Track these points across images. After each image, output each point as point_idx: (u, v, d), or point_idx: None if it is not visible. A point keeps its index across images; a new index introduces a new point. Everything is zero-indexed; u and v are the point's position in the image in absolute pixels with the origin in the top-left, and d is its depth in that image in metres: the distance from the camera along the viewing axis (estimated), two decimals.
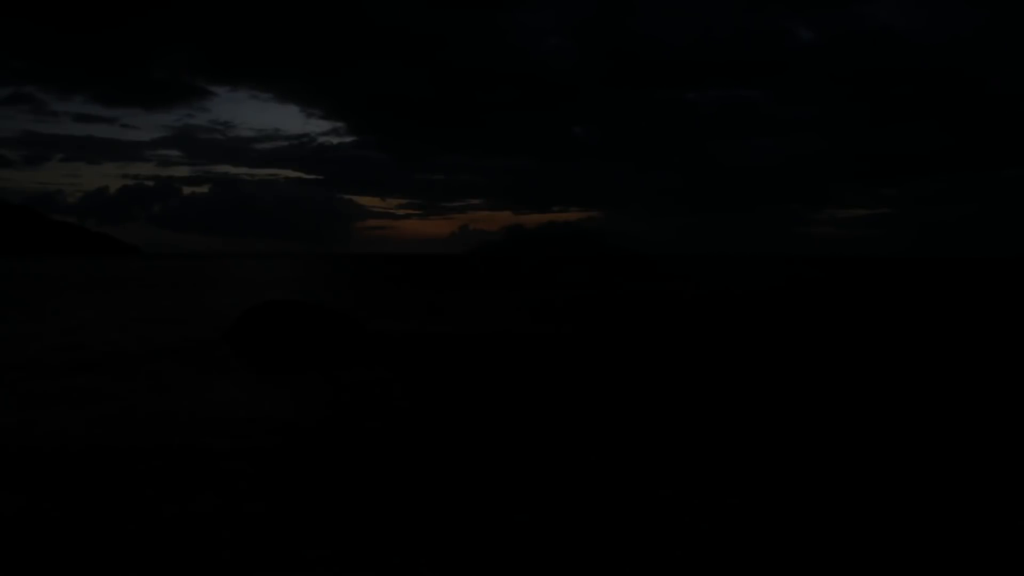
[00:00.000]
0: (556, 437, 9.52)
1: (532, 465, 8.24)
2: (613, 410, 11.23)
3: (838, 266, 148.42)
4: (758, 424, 10.33)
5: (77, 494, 7.17)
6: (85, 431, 9.68)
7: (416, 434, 9.67)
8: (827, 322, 27.02)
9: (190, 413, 10.82)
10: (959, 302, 39.29)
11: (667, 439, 9.47)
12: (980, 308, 34.88)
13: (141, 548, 5.90)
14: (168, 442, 9.14)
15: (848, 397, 12.38)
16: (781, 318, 28.90)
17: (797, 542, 6.12)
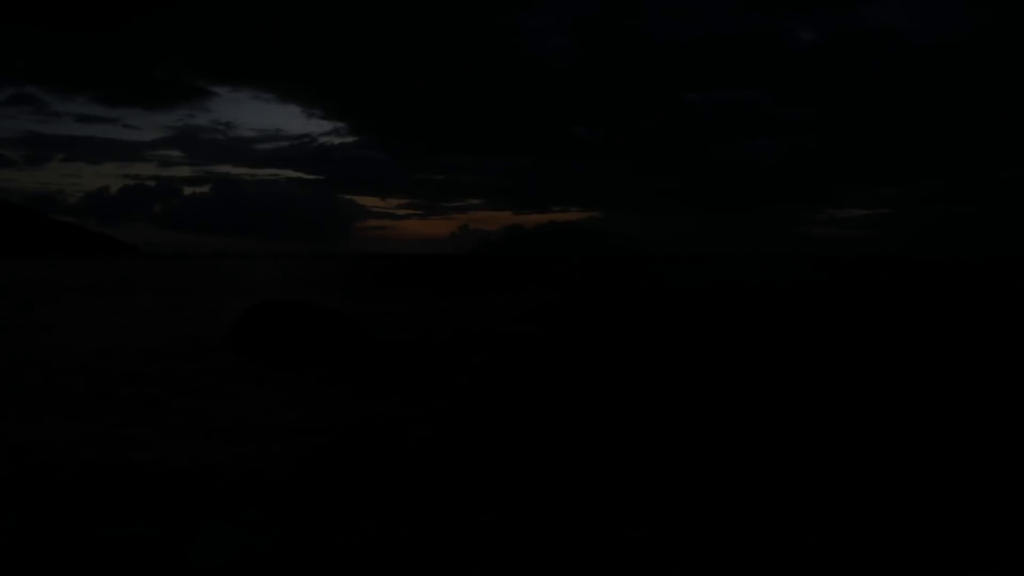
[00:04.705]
0: (555, 439, 9.55)
1: (532, 471, 8.27)
2: (615, 413, 11.25)
3: (838, 266, 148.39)
4: (756, 428, 10.35)
5: (78, 509, 7.21)
6: (87, 440, 9.72)
7: (417, 435, 9.70)
8: (826, 322, 27.03)
9: (192, 416, 10.84)
10: (959, 302, 39.30)
11: (673, 441, 9.51)
12: (980, 308, 34.89)
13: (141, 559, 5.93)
14: (167, 445, 9.17)
15: (847, 397, 12.40)
16: (781, 318, 28.91)
17: (798, 543, 6.15)
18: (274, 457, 8.57)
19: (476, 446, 9.17)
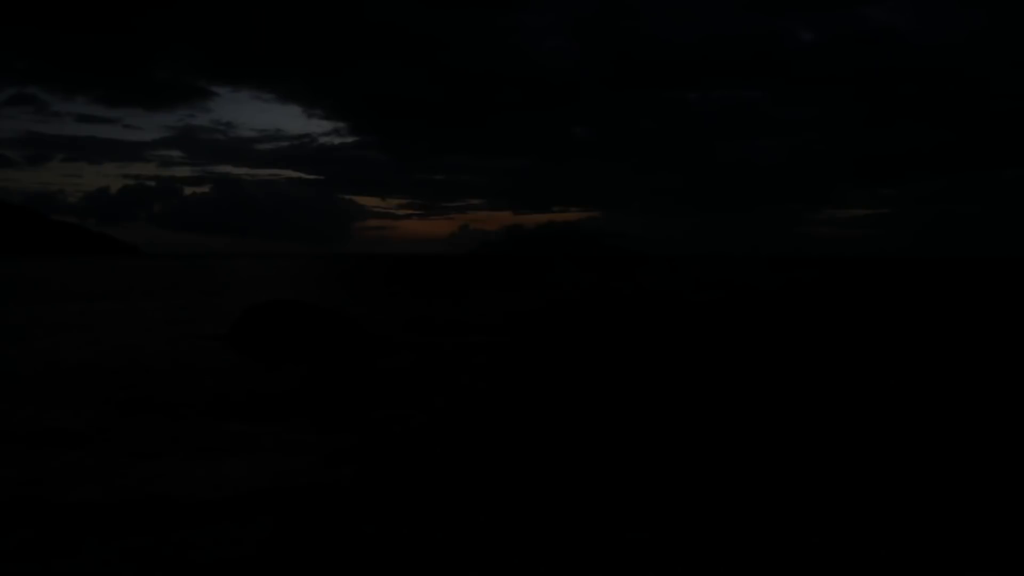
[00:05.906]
0: (555, 439, 9.54)
1: (532, 471, 8.28)
2: (616, 412, 11.25)
3: (838, 266, 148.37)
4: (757, 428, 10.35)
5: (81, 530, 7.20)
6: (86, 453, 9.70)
7: (417, 434, 9.70)
8: (826, 323, 27.02)
9: (190, 417, 10.84)
10: (959, 302, 39.29)
11: (674, 442, 9.51)
12: (980, 308, 34.89)
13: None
14: (165, 450, 9.17)
15: (847, 398, 12.40)
16: (781, 319, 28.91)
17: (798, 543, 6.16)
18: (273, 457, 8.57)
19: (476, 446, 9.18)
